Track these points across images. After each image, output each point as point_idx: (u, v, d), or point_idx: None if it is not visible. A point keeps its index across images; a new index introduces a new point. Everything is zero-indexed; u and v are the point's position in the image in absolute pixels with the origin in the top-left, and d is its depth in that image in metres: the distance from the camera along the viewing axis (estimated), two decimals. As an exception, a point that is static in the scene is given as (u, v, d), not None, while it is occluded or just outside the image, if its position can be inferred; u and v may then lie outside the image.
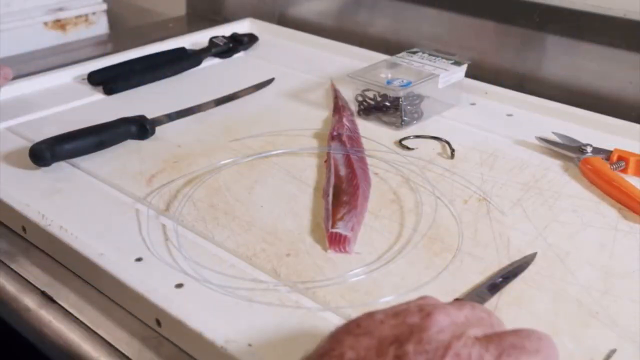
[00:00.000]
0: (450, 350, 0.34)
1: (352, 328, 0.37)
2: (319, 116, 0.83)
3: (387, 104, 0.81)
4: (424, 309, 0.37)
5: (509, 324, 0.50)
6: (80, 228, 0.61)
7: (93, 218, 0.64)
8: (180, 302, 0.51)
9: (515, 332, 0.37)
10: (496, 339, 0.36)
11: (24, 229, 0.64)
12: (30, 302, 0.57)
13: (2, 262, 0.62)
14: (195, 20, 1.29)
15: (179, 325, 0.50)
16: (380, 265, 0.57)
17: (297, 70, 0.97)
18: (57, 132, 0.74)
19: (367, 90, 0.83)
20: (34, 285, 0.59)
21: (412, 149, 0.75)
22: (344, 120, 0.79)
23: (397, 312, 0.37)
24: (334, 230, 0.59)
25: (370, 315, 0.38)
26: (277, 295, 0.53)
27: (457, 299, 0.41)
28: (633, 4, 0.83)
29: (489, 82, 0.89)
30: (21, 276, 0.60)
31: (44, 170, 0.72)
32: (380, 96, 0.82)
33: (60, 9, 1.24)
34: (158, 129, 0.79)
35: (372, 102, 0.83)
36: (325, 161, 0.72)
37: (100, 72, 0.94)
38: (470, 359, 0.34)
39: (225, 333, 0.48)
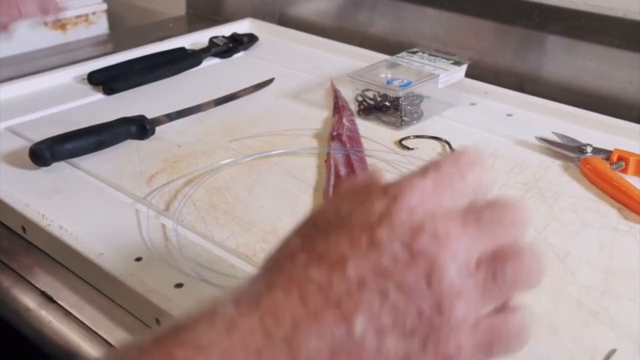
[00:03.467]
0: (425, 231, 0.32)
1: (320, 224, 0.36)
2: (319, 116, 0.83)
3: (387, 104, 0.81)
4: (389, 191, 0.34)
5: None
6: (80, 228, 0.61)
7: (93, 218, 0.64)
8: (180, 302, 0.51)
9: (492, 205, 0.34)
10: (474, 212, 0.34)
11: (24, 229, 0.64)
12: (30, 302, 0.57)
13: (2, 262, 0.62)
14: (195, 20, 1.29)
15: (179, 325, 0.50)
16: (380, 265, 0.56)
17: (297, 70, 0.97)
18: (57, 132, 0.74)
19: (367, 90, 0.83)
20: (34, 285, 0.59)
21: (412, 149, 0.75)
22: (344, 120, 0.79)
23: (362, 201, 0.35)
24: (334, 230, 0.59)
25: (336, 210, 0.35)
26: (277, 295, 0.53)
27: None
28: (633, 4, 0.83)
29: (489, 82, 0.89)
30: (21, 276, 0.60)
31: (44, 170, 0.72)
32: (380, 96, 0.82)
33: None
34: (158, 129, 0.79)
35: (372, 102, 0.83)
36: (325, 161, 0.72)
37: (100, 72, 0.94)
38: (448, 236, 0.32)
39: (225, 333, 0.48)
